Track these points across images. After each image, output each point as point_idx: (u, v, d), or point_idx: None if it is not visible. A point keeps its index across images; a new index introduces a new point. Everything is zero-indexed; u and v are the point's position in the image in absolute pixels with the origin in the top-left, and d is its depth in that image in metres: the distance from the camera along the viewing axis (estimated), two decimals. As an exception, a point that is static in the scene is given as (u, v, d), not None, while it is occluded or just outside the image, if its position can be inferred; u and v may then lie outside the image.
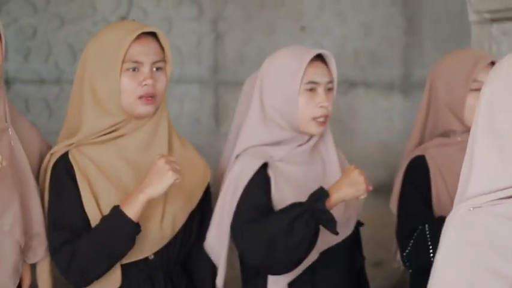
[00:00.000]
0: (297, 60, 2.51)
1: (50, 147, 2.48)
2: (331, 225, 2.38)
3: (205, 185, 2.56)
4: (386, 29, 4.11)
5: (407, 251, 2.61)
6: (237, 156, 2.57)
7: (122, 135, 2.42)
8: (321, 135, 2.61)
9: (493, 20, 3.12)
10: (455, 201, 1.62)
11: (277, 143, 2.57)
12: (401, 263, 2.69)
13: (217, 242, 2.53)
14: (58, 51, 3.94)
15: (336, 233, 2.39)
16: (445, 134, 2.69)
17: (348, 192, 2.42)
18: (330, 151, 2.62)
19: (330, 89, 2.55)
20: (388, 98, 4.10)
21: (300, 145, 2.58)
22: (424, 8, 4.11)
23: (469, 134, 2.61)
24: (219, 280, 2.54)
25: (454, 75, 2.64)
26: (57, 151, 2.43)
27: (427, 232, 2.54)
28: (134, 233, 2.31)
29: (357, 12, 4.10)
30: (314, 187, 2.50)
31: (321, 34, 4.08)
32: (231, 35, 4.05)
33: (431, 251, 2.52)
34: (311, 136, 2.58)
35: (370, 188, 2.45)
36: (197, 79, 4.06)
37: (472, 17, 3.02)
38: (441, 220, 2.56)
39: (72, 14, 3.95)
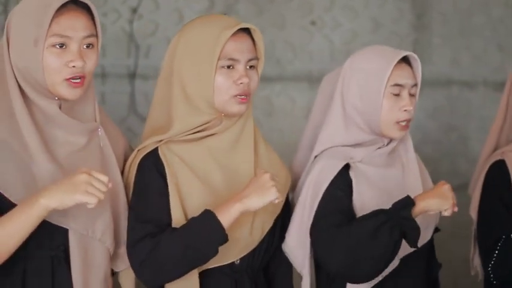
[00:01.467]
0: (383, 61, 2.42)
1: (132, 149, 2.35)
2: (415, 234, 2.31)
3: (288, 190, 2.47)
4: (395, 25, 4.08)
5: (492, 262, 2.54)
6: (315, 157, 2.48)
7: (212, 134, 2.31)
8: (401, 139, 2.53)
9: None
10: None
11: (357, 145, 2.49)
12: (479, 270, 2.63)
13: (297, 245, 2.44)
14: (67, 42, 3.77)
15: (416, 246, 2.32)
16: None
17: (434, 203, 2.34)
18: (409, 155, 2.54)
19: (413, 93, 2.47)
20: (396, 94, 4.06)
21: (379, 148, 2.50)
22: (434, 4, 4.08)
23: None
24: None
25: None
26: (146, 147, 2.30)
27: None
28: (221, 241, 2.21)
29: (367, 7, 4.06)
30: (394, 190, 2.43)
31: (331, 29, 4.02)
32: (242, 28, 3.95)
33: None
34: (391, 139, 2.50)
35: (456, 209, 2.36)
36: (207, 73, 3.94)
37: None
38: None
39: (82, 4, 3.79)
